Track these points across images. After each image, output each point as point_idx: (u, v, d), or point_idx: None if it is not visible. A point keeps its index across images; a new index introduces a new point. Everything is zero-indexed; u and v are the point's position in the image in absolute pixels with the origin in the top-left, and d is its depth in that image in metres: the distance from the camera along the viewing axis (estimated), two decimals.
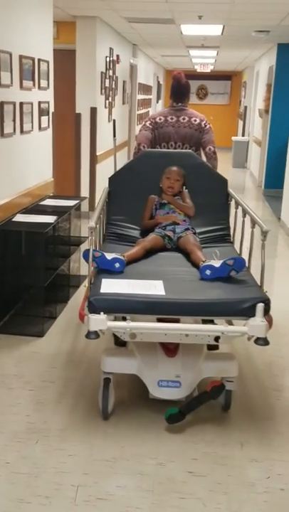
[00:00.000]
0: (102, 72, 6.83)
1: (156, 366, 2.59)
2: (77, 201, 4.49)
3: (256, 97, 11.60)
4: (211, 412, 2.74)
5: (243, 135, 14.02)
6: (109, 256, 2.65)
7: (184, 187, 3.25)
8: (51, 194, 4.81)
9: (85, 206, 4.81)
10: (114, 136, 4.74)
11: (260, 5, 5.33)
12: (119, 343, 3.04)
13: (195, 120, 3.63)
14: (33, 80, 4.14)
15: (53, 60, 4.72)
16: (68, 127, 6.86)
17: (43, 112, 4.44)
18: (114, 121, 4.88)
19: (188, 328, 2.45)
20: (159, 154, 3.46)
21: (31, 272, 3.61)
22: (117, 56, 7.82)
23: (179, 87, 3.68)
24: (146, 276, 2.59)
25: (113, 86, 7.60)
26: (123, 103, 8.68)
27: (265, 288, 2.62)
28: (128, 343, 2.79)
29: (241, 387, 3.00)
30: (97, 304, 2.36)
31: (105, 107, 7.22)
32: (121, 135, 8.65)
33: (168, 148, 3.60)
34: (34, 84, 4.18)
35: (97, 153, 6.90)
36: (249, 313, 2.37)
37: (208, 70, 14.22)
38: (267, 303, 2.40)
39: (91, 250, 2.56)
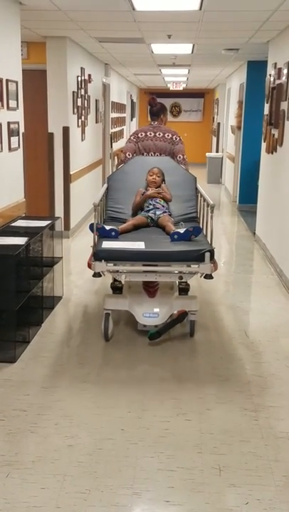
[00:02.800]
0: (73, 92, 6.82)
1: (141, 304, 3.77)
2: (49, 221, 4.43)
3: (228, 113, 11.73)
4: (187, 436, 2.68)
5: (216, 151, 14.15)
6: (107, 227, 3.70)
7: (164, 182, 4.21)
8: (23, 215, 4.74)
9: (60, 226, 4.76)
10: (111, 146, 5.69)
11: (228, 23, 5.40)
12: (115, 288, 4.14)
13: (168, 135, 4.53)
14: (1, 100, 4.09)
15: (22, 81, 4.68)
16: (41, 147, 6.81)
17: (12, 133, 4.39)
18: (110, 135, 5.66)
19: (158, 269, 3.59)
20: (144, 159, 4.43)
21: (2, 296, 3.52)
22: (89, 75, 7.83)
23: (153, 109, 4.61)
24: (133, 240, 3.61)
25: (86, 105, 7.60)
26: (96, 122, 8.68)
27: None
28: (123, 290, 4.07)
29: (218, 410, 2.95)
30: (100, 254, 3.44)
31: (78, 126, 7.20)
32: (95, 154, 8.63)
33: (148, 156, 4.55)
34: (2, 105, 4.13)
35: (71, 172, 6.86)
36: (200, 259, 3.43)
37: (181, 88, 14.35)
38: (212, 252, 3.45)
39: (95, 223, 3.58)
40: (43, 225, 4.27)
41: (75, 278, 5.32)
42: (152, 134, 4.50)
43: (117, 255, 3.46)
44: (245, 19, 5.14)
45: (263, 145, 6.70)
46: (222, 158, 12.67)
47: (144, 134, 4.53)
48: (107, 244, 3.51)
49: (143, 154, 4.51)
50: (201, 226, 3.95)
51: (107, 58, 8.63)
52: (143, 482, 2.33)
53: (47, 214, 6.73)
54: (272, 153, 6.04)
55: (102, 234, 3.66)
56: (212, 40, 6.50)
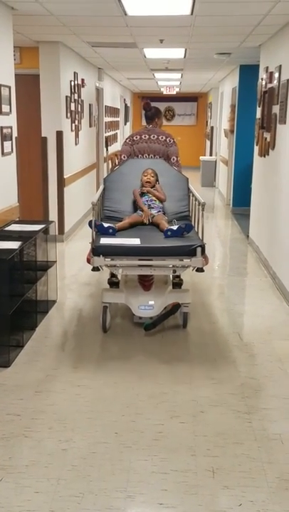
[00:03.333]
0: (67, 96, 6.84)
1: (137, 297, 3.97)
2: (43, 225, 4.44)
3: (221, 117, 11.78)
4: (181, 438, 2.68)
5: (210, 155, 14.20)
6: (105, 224, 3.89)
7: (158, 182, 4.40)
8: (17, 219, 4.74)
9: (54, 229, 4.77)
10: (107, 149, 6.03)
11: (219, 28, 5.43)
12: (112, 283, 4.32)
13: (162, 137, 4.70)
14: None
15: (15, 85, 4.69)
16: (35, 151, 6.82)
17: (5, 137, 4.40)
18: (106, 138, 5.82)
19: (153, 263, 3.80)
20: (138, 161, 4.62)
21: None
22: (82, 80, 7.85)
23: (148, 113, 4.82)
24: (129, 237, 3.82)
25: (79, 109, 7.62)
26: (90, 126, 8.70)
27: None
28: (120, 284, 4.28)
29: (211, 413, 2.96)
30: (98, 249, 3.63)
31: (72, 130, 7.21)
32: (89, 158, 8.65)
33: (143, 158, 4.70)
34: None
35: (65, 176, 6.87)
36: (192, 253, 3.64)
37: (174, 92, 14.40)
38: (203, 247, 3.66)
39: (94, 220, 3.81)
40: (37, 229, 4.27)
41: (69, 282, 5.33)
42: (147, 137, 4.68)
43: (115, 250, 3.67)
44: (236, 23, 5.18)
45: (256, 148, 6.73)
46: (216, 161, 12.72)
47: (139, 136, 4.72)
48: (105, 241, 3.72)
49: (138, 156, 4.68)
50: (192, 223, 4.16)
51: (100, 63, 8.66)
52: (137, 485, 2.34)
53: (41, 218, 6.73)
54: (264, 156, 6.07)
55: (101, 231, 3.86)
56: (204, 44, 6.53)
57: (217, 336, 4.03)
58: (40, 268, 4.33)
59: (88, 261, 3.70)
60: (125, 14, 4.72)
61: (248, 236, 7.13)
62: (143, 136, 4.69)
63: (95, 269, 3.70)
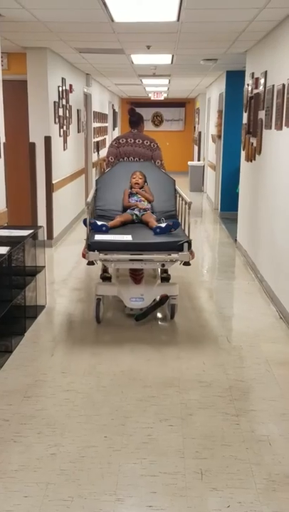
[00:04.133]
0: (55, 102, 6.85)
1: (128, 290, 4.25)
2: (32, 231, 4.44)
3: (209, 122, 11.87)
4: (170, 441, 2.70)
5: (198, 160, 14.28)
6: (99, 222, 4.22)
7: (146, 183, 4.71)
8: (5, 224, 4.74)
9: (43, 235, 4.78)
10: (98, 152, 6.71)
11: (205, 34, 5.49)
12: (104, 278, 4.60)
13: (147, 142, 5.02)
14: None
15: (2, 91, 4.70)
16: (23, 156, 6.82)
17: None
18: (97, 142, 6.38)
19: (144, 258, 4.02)
20: (128, 164, 4.91)
21: None
22: (70, 85, 7.88)
23: (132, 119, 5.08)
24: (121, 233, 4.11)
25: (67, 115, 7.64)
26: (78, 131, 8.72)
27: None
28: (112, 278, 4.58)
29: (200, 416, 2.98)
30: (93, 245, 3.93)
31: (60, 135, 7.23)
32: (77, 163, 8.66)
33: (128, 161, 4.99)
34: None
35: (54, 182, 6.88)
36: (180, 248, 3.95)
37: (162, 98, 14.48)
38: (189, 242, 3.96)
39: (88, 218, 4.14)
40: (26, 234, 4.28)
41: (58, 287, 5.33)
42: (132, 141, 5.00)
43: (108, 246, 3.96)
44: (222, 30, 5.24)
45: (243, 153, 6.79)
46: (203, 166, 12.80)
47: (124, 140, 5.02)
48: (99, 237, 4.02)
49: (123, 159, 4.99)
50: (179, 221, 4.49)
51: (88, 68, 8.70)
52: (126, 488, 2.35)
53: (29, 223, 6.73)
54: (251, 161, 6.13)
55: (94, 228, 4.16)
56: (191, 50, 6.59)
57: (205, 338, 4.06)
58: (28, 273, 4.33)
59: (84, 256, 3.97)
60: (112, 21, 4.76)
61: (235, 240, 7.18)
62: (129, 140, 4.99)
63: (90, 263, 4.03)
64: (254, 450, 2.64)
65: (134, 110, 5.14)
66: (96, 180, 5.02)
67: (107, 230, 4.17)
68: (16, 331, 3.98)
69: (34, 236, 4.48)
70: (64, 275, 5.75)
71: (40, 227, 4.75)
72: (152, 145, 5.00)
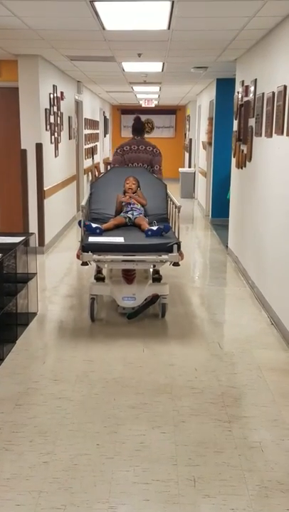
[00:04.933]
0: (46, 109, 6.87)
1: (121, 289, 4.43)
2: (23, 237, 4.43)
3: (199, 130, 11.93)
4: (162, 448, 2.70)
5: (189, 166, 14.35)
6: (93, 225, 4.41)
7: (139, 188, 4.89)
8: None
9: (34, 241, 4.78)
10: (93, 156, 7.25)
11: (196, 42, 5.54)
12: (98, 279, 4.74)
13: (149, 148, 5.31)
14: None
15: None
16: (14, 163, 6.82)
17: None
18: (92, 148, 6.98)
19: (135, 259, 4.20)
20: (122, 170, 5.14)
21: None
22: (61, 93, 7.89)
23: (138, 126, 5.35)
24: (114, 236, 4.32)
25: (58, 122, 7.65)
26: (70, 138, 8.73)
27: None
28: (105, 279, 4.74)
29: (192, 422, 2.98)
30: (87, 246, 4.12)
31: (51, 142, 7.23)
32: (69, 170, 8.67)
33: (132, 166, 5.23)
34: None
35: (45, 188, 6.87)
36: (169, 249, 4.14)
37: (153, 105, 14.54)
38: (179, 244, 4.16)
39: (82, 221, 4.36)
40: (17, 241, 4.27)
41: (50, 294, 5.31)
42: (136, 147, 5.27)
43: (102, 247, 4.16)
44: (212, 38, 5.29)
45: (233, 160, 6.84)
46: (194, 173, 12.85)
47: (129, 147, 5.29)
48: (92, 239, 4.23)
49: (128, 165, 5.26)
50: (170, 224, 4.70)
51: (79, 76, 8.73)
52: (118, 496, 2.34)
53: (21, 230, 6.71)
54: (241, 168, 6.17)
55: (89, 230, 4.36)
56: (181, 58, 6.64)
57: (197, 345, 4.07)
58: (20, 280, 4.32)
59: (78, 257, 4.16)
60: (103, 29, 4.79)
61: (227, 246, 7.21)
62: (132, 147, 5.27)
63: (84, 263, 4.22)
64: (246, 456, 2.64)
65: (139, 119, 5.44)
66: (91, 185, 5.23)
67: (101, 233, 4.37)
68: (8, 338, 3.96)
69: (26, 243, 4.47)
70: (55, 282, 5.74)
71: (32, 233, 4.74)
72: (155, 150, 5.28)
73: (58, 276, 5.94)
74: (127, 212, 4.72)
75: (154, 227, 4.38)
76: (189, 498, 2.34)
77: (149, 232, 4.33)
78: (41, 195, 6.80)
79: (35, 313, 4.66)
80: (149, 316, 4.62)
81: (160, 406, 3.13)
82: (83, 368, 3.65)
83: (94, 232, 4.34)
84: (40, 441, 2.75)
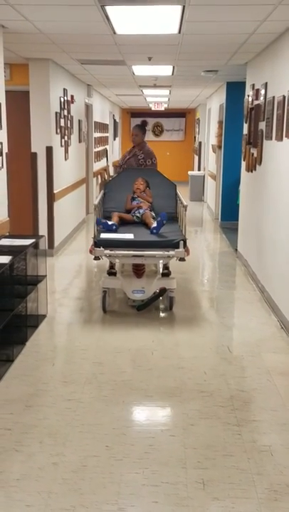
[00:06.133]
0: (56, 112, 6.91)
1: (131, 283, 4.75)
2: (33, 240, 4.46)
3: (209, 133, 11.93)
4: (171, 451, 2.70)
5: (198, 169, 14.34)
6: (109, 222, 4.83)
7: (148, 187, 5.39)
8: (7, 234, 4.76)
9: (44, 244, 4.81)
10: (107, 157, 8.57)
11: (206, 46, 5.55)
12: (110, 273, 5.00)
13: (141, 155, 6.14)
14: None
15: (5, 102, 4.74)
16: (24, 166, 6.86)
17: None
18: (106, 149, 8.06)
19: (144, 254, 4.51)
20: (133, 170, 5.74)
21: None
22: (72, 96, 7.94)
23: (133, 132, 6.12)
24: (124, 233, 4.71)
25: (68, 125, 7.69)
26: (79, 141, 8.77)
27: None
28: (117, 273, 5.02)
29: (201, 426, 2.98)
30: (99, 242, 4.49)
31: (61, 145, 7.27)
32: (78, 173, 8.71)
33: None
34: None
35: (55, 191, 6.91)
36: (176, 246, 4.45)
37: (163, 109, 14.56)
38: (185, 241, 4.49)
39: (99, 218, 4.86)
40: (27, 243, 4.30)
41: (60, 296, 5.34)
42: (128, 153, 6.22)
43: (112, 243, 4.50)
44: (223, 42, 5.30)
45: (243, 164, 6.83)
46: (204, 176, 12.85)
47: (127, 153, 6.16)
48: (104, 235, 4.61)
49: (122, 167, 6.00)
50: (178, 222, 5.13)
51: (90, 79, 8.77)
52: (127, 498, 2.35)
53: (31, 233, 6.75)
54: (251, 171, 6.17)
55: (106, 227, 4.75)
56: (192, 62, 6.66)
57: (206, 348, 4.07)
58: (30, 282, 4.35)
59: (91, 252, 4.51)
60: (114, 33, 4.82)
61: (236, 250, 7.20)
62: (126, 154, 6.27)
63: (96, 258, 4.55)
64: (256, 460, 2.64)
65: (136, 125, 6.17)
66: (104, 185, 5.77)
67: (116, 229, 4.77)
68: (17, 340, 3.98)
69: (35, 245, 4.50)
70: (65, 284, 5.76)
71: (42, 236, 4.77)
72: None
73: (67, 279, 5.96)
74: (134, 212, 5.19)
75: (155, 224, 4.70)
76: (198, 500, 2.34)
77: (154, 230, 4.65)
78: (51, 197, 6.83)
79: (44, 316, 4.69)
80: (159, 319, 4.61)
81: (169, 409, 3.13)
82: (92, 370, 3.66)
83: (110, 229, 4.73)
84: (49, 442, 2.76)
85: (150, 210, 5.20)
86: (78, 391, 3.34)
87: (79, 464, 2.59)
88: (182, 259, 4.52)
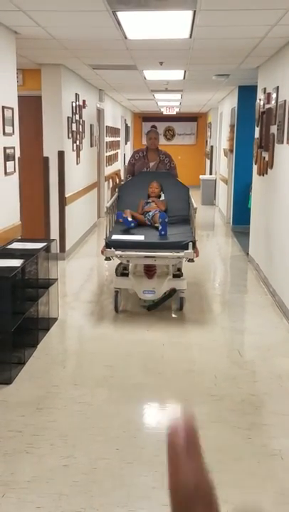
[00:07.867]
0: (68, 117, 6.96)
1: (142, 283, 4.84)
2: (45, 244, 4.49)
3: (221, 137, 11.93)
4: None
5: (210, 173, 14.33)
6: (129, 219, 4.97)
7: (162, 192, 5.47)
8: (19, 237, 4.80)
9: (56, 248, 4.85)
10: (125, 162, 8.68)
11: (218, 51, 5.56)
12: (122, 274, 5.16)
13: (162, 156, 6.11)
14: None
15: (18, 107, 4.79)
16: (36, 171, 6.91)
17: (8, 157, 4.48)
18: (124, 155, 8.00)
19: (155, 255, 4.59)
20: (147, 173, 5.71)
21: None
22: (84, 101, 7.99)
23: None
24: (135, 234, 4.83)
25: (80, 130, 7.74)
26: (91, 146, 8.82)
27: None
28: (129, 274, 5.08)
29: (212, 429, 2.97)
30: (110, 243, 4.60)
31: (73, 150, 7.32)
32: (90, 177, 8.75)
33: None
34: None
35: (66, 195, 6.95)
36: (185, 247, 4.51)
37: (174, 113, 14.59)
38: (194, 242, 4.56)
39: (107, 219, 5.13)
40: (39, 247, 4.33)
41: (71, 299, 5.36)
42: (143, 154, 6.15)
43: (123, 244, 4.62)
44: (234, 46, 5.30)
45: (255, 167, 6.82)
46: (215, 180, 12.84)
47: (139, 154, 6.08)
48: (115, 237, 4.73)
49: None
50: (190, 224, 5.24)
51: (101, 84, 8.82)
52: (137, 500, 2.36)
53: (42, 236, 6.80)
54: (263, 175, 6.16)
55: (127, 224, 4.96)
56: (203, 66, 6.67)
57: (217, 352, 4.06)
58: (41, 286, 4.38)
59: (102, 252, 4.64)
60: (125, 38, 4.85)
61: (247, 254, 7.18)
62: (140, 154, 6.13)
63: (107, 258, 4.66)
64: (266, 464, 2.63)
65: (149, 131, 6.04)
66: (118, 188, 5.91)
67: (135, 225, 4.96)
68: (29, 342, 4.01)
69: (47, 249, 4.53)
70: (76, 288, 5.79)
71: (53, 240, 4.81)
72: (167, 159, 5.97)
73: (78, 282, 5.99)
74: (147, 213, 5.32)
75: (159, 226, 4.81)
76: None
77: (162, 232, 4.77)
78: (63, 201, 6.87)
79: (55, 319, 4.71)
80: (170, 322, 4.62)
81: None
82: (103, 373, 3.67)
83: (129, 225, 4.92)
84: (60, 444, 2.78)
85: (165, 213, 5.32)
86: (89, 394, 3.35)
87: (89, 466, 2.60)
88: (191, 260, 4.61)
